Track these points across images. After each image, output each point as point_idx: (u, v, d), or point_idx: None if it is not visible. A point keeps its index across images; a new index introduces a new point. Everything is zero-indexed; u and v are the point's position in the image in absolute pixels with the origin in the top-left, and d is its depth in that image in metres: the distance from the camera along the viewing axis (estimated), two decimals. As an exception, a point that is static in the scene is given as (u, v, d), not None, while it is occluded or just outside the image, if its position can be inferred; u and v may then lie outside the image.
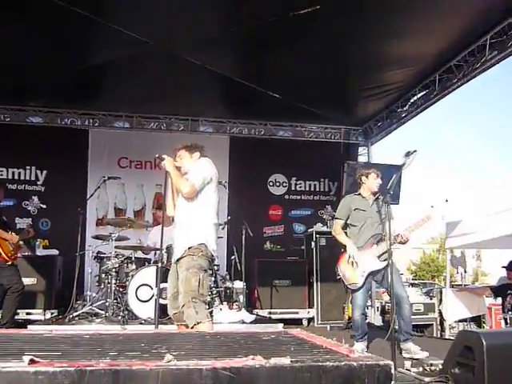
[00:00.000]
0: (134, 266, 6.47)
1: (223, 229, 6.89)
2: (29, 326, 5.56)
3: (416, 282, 24.82)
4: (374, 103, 8.41)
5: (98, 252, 6.87)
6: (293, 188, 9.65)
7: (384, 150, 12.07)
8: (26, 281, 6.48)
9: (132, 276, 6.18)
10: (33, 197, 8.35)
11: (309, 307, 7.85)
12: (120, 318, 5.92)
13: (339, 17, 5.66)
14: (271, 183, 9.58)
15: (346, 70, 7.19)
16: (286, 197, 9.60)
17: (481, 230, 6.50)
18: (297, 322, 7.60)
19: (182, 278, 3.76)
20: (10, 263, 5.88)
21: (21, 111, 8.74)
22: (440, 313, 7.91)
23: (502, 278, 9.03)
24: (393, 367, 1.53)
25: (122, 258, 6.54)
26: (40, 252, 7.94)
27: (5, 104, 8.56)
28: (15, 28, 5.91)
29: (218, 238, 4.21)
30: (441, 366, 3.71)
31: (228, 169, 8.78)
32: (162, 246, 4.24)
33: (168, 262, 6.08)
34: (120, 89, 7.74)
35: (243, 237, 7.10)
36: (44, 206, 7.33)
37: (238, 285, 7.22)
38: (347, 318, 6.96)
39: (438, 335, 7.72)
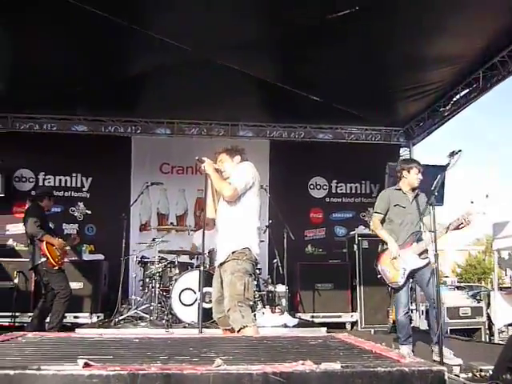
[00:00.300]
0: (177, 271, 6.57)
1: (264, 232, 6.89)
2: (76, 330, 5.73)
3: (462, 284, 24.21)
4: (415, 103, 8.26)
5: (142, 257, 6.99)
6: (333, 191, 9.57)
7: (426, 151, 11.80)
8: (73, 285, 6.66)
9: (175, 280, 6.27)
10: (79, 203, 8.51)
11: (352, 311, 7.78)
12: (164, 321, 6.02)
13: (378, 18, 5.59)
14: (312, 186, 9.53)
15: (386, 70, 7.08)
16: (327, 199, 9.53)
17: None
18: (340, 326, 7.55)
19: (227, 282, 3.74)
20: (57, 268, 6.02)
21: (66, 120, 9.00)
22: (488, 316, 7.70)
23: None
24: (446, 373, 1.48)
25: (166, 263, 6.66)
26: (86, 257, 8.15)
27: (51, 114, 8.84)
28: (61, 41, 6.12)
29: (260, 241, 4.19)
30: (491, 372, 3.59)
31: (268, 173, 8.79)
32: (203, 250, 4.26)
33: (211, 266, 6.14)
34: (161, 96, 7.86)
35: (285, 240, 7.09)
36: (89, 212, 7.48)
37: (281, 288, 7.22)
38: (391, 321, 6.84)
39: (487, 340, 7.50)
